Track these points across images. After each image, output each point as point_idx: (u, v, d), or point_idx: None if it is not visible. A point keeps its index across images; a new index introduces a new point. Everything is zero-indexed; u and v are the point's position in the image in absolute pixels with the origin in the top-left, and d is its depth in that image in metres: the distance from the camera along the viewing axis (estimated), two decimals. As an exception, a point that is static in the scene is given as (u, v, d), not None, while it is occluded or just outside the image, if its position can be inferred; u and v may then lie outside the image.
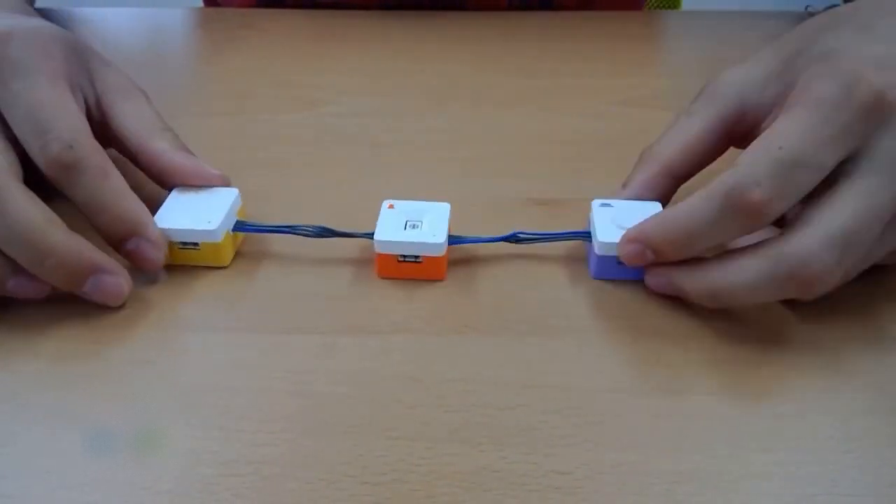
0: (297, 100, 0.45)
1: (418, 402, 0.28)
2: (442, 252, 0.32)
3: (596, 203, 0.33)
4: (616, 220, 0.32)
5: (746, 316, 0.31)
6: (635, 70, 0.47)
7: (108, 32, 0.53)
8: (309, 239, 0.34)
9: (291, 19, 0.53)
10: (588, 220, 0.33)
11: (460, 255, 0.34)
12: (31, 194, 0.30)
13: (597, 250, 0.32)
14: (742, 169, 0.28)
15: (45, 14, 0.51)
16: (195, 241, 0.33)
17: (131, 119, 0.34)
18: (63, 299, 0.32)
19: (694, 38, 0.53)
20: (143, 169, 0.35)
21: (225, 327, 0.31)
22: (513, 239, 0.33)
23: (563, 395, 0.28)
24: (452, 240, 0.33)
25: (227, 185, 0.35)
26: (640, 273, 0.32)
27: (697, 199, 0.29)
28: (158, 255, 0.32)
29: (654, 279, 0.31)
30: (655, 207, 0.32)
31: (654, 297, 0.32)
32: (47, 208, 0.30)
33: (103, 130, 0.35)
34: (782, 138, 0.27)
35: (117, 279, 0.30)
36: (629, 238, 0.31)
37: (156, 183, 0.35)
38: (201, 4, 0.63)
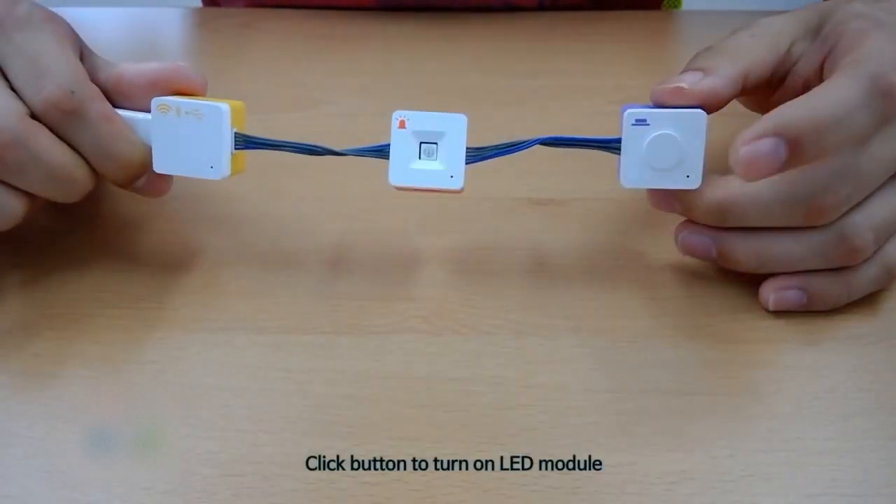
0: (297, 100, 0.45)
1: (418, 402, 0.28)
2: (460, 188, 0.30)
3: (629, 117, 0.29)
4: (647, 156, 0.29)
5: (746, 316, 0.31)
6: (635, 70, 0.47)
7: (105, 32, 0.53)
8: (309, 236, 0.34)
9: (291, 19, 0.53)
10: (619, 127, 0.29)
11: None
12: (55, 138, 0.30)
13: (624, 184, 0.30)
14: (872, 59, 0.28)
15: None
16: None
17: (98, 61, 0.33)
18: (62, 298, 0.32)
19: (695, 38, 0.53)
20: (113, 95, 0.32)
21: (225, 327, 0.31)
22: (544, 142, 0.31)
23: (563, 395, 0.28)
24: (474, 153, 0.30)
25: (202, 84, 0.32)
26: (670, 180, 0.29)
27: (838, 86, 0.27)
28: (166, 184, 0.32)
29: (693, 237, 0.31)
30: (698, 122, 0.29)
31: (654, 296, 0.32)
32: (73, 150, 0.30)
33: None
34: (878, 49, 0.28)
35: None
36: (759, 132, 0.27)
37: (131, 107, 0.32)
38: (200, 4, 0.63)
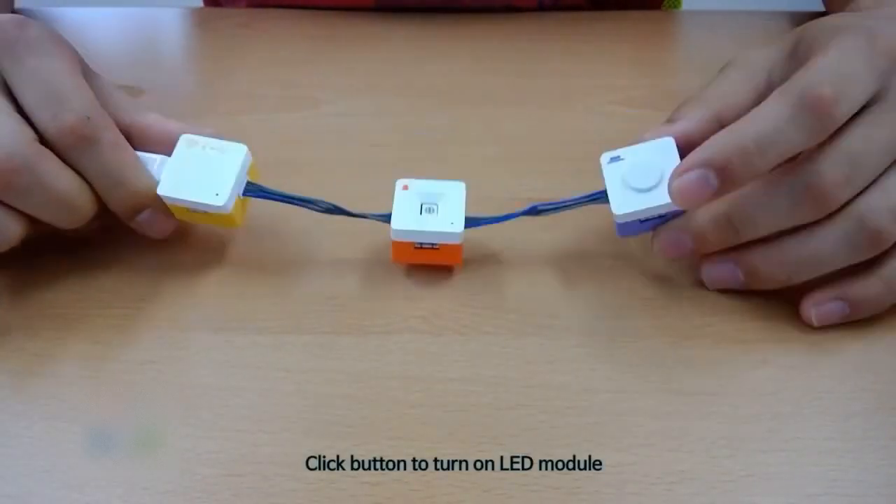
0: (297, 100, 0.45)
1: (418, 402, 0.28)
2: (459, 240, 0.32)
3: (605, 158, 0.31)
4: (628, 180, 0.30)
5: (746, 316, 0.31)
6: (635, 70, 0.47)
7: (105, 32, 0.53)
8: (309, 235, 0.34)
9: (291, 19, 0.53)
10: (602, 178, 0.31)
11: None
12: (62, 164, 0.30)
13: (618, 221, 0.31)
14: (804, 78, 0.28)
15: (30, 15, 0.51)
16: (203, 210, 0.31)
17: (123, 102, 0.34)
18: (62, 298, 0.32)
19: (694, 38, 0.53)
20: (135, 140, 0.33)
21: (225, 327, 0.31)
22: (533, 212, 0.33)
23: (563, 395, 0.28)
24: (469, 221, 0.32)
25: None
26: (658, 197, 0.30)
27: (764, 108, 0.28)
28: (169, 224, 0.33)
29: (717, 267, 0.31)
30: (668, 146, 0.31)
31: (654, 296, 0.32)
32: (78, 177, 0.30)
33: None
34: (828, 62, 0.28)
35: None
36: (686, 166, 0.29)
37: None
38: (201, 4, 0.63)
